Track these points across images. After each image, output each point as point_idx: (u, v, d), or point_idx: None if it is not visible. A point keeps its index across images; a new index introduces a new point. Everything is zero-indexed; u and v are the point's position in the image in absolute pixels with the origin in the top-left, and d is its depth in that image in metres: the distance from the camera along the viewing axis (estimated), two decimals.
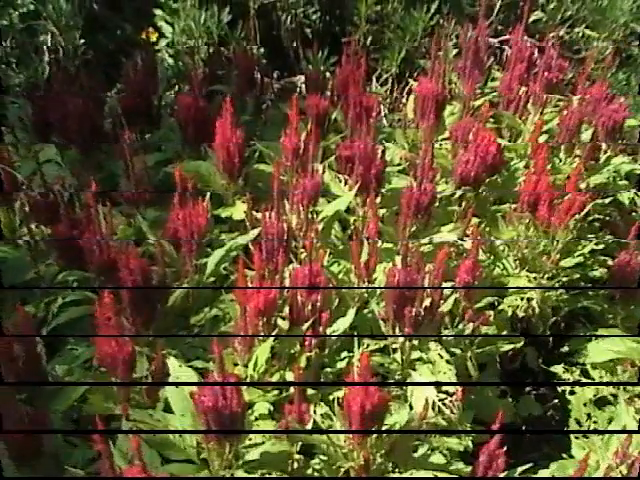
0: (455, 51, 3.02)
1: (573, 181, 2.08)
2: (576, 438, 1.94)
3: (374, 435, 1.52)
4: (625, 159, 2.60)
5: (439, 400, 1.76)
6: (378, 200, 2.15)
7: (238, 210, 2.19)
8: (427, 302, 1.81)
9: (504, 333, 2.13)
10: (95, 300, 1.65)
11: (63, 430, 1.62)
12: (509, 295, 2.20)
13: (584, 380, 2.11)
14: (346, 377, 1.51)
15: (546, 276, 2.19)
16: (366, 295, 1.96)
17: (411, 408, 1.73)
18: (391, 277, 1.78)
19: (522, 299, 2.18)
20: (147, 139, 2.52)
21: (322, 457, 1.61)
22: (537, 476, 1.74)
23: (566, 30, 3.42)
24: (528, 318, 2.20)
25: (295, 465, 1.62)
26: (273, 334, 1.73)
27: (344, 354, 1.84)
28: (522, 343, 2.11)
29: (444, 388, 1.77)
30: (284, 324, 1.81)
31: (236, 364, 1.73)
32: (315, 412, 1.64)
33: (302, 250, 2.01)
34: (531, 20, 3.21)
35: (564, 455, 1.92)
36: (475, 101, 2.63)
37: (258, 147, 2.36)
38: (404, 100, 3.10)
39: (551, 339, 2.24)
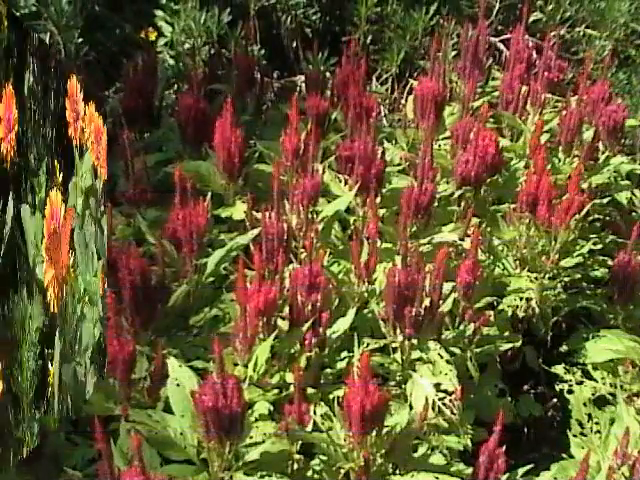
0: (455, 52, 3.01)
1: (574, 181, 2.08)
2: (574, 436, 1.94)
3: (374, 434, 1.52)
4: (624, 159, 2.60)
5: (439, 400, 1.75)
6: (378, 200, 2.15)
7: (238, 210, 2.19)
8: (427, 302, 1.81)
9: (506, 334, 2.13)
10: None
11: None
12: (508, 295, 2.20)
13: (586, 380, 2.11)
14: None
15: (547, 276, 2.18)
16: (366, 295, 1.96)
17: (411, 408, 1.73)
18: (391, 277, 1.78)
19: (521, 299, 2.18)
20: (146, 139, 2.52)
21: (322, 457, 1.61)
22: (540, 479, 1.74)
23: (567, 29, 3.42)
24: (529, 318, 2.19)
25: (295, 466, 1.62)
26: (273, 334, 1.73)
27: (344, 354, 1.84)
28: (520, 342, 2.11)
29: (443, 387, 1.77)
30: (284, 324, 1.81)
31: (236, 364, 1.72)
32: (315, 412, 1.64)
33: (302, 250, 2.01)
34: (531, 20, 3.20)
35: (564, 455, 1.92)
36: (475, 101, 2.63)
37: (258, 147, 2.36)
38: (404, 100, 3.10)
39: (549, 338, 2.23)
